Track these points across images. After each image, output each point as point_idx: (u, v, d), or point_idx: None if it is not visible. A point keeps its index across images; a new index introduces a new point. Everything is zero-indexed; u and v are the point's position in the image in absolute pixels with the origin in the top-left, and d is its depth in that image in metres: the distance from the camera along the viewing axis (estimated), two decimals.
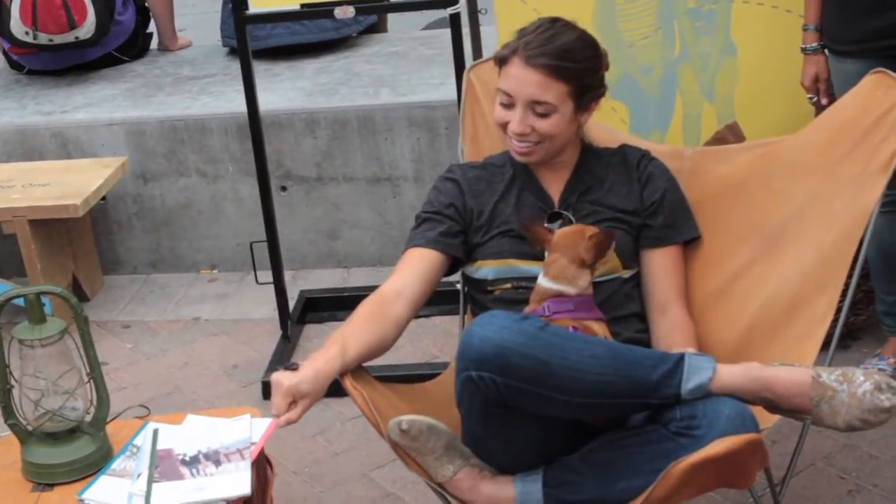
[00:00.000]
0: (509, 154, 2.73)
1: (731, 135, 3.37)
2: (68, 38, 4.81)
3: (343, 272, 4.47)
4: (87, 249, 4.40)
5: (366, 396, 2.31)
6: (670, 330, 2.57)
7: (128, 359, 3.96)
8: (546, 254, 2.56)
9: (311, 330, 4.06)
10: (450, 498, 2.41)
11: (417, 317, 4.09)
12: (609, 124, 3.16)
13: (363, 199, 4.39)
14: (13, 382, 2.64)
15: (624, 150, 2.79)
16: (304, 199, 4.41)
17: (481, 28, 3.59)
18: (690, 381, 2.21)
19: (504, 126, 2.65)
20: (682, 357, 2.24)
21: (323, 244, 4.47)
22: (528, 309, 2.51)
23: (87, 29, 4.82)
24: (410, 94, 4.36)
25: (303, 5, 3.52)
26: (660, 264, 2.67)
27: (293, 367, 2.31)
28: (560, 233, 2.56)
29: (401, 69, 4.67)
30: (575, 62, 2.58)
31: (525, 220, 2.62)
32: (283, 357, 3.81)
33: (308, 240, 4.46)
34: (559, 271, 2.50)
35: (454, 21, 3.47)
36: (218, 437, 2.75)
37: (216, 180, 4.44)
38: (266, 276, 3.90)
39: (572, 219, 2.65)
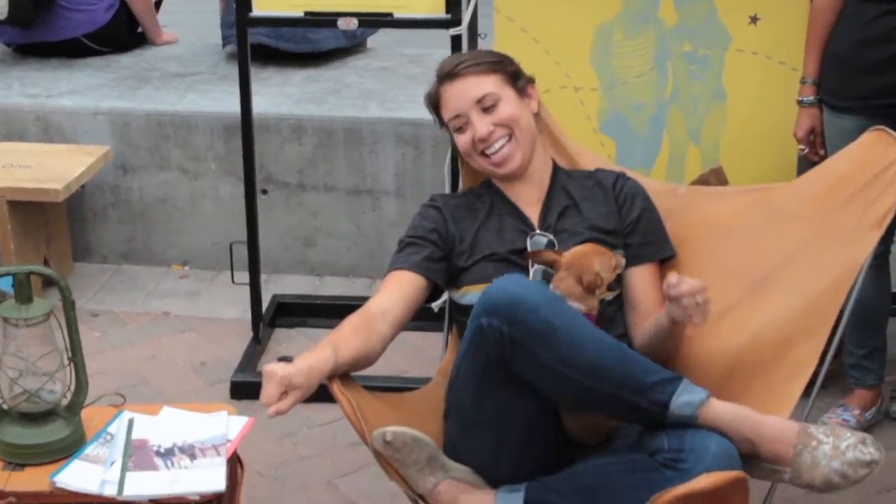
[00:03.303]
0: (487, 184, 2.82)
1: (714, 179, 3.40)
2: None
3: (315, 280, 4.48)
4: (60, 234, 4.38)
5: (353, 402, 2.32)
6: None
7: (95, 347, 3.94)
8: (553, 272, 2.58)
9: (280, 334, 4.06)
10: None
11: None
12: (599, 155, 3.21)
13: (342, 209, 4.40)
14: None
15: (596, 174, 2.86)
16: (283, 204, 4.42)
17: None
18: (682, 397, 2.23)
19: (472, 147, 2.74)
20: (680, 377, 2.28)
21: (297, 250, 4.48)
22: None
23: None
24: (399, 109, 4.39)
25: (307, 13, 3.53)
26: (642, 281, 2.72)
27: (287, 360, 2.32)
28: (574, 252, 2.58)
29: (389, 84, 4.70)
30: (488, 58, 2.81)
31: (525, 248, 2.67)
32: (253, 358, 3.81)
33: (283, 244, 4.46)
34: (568, 289, 2.51)
35: (455, 43, 3.50)
36: (193, 431, 2.75)
37: (197, 177, 4.44)
38: (241, 276, 3.90)
39: (554, 241, 2.68)
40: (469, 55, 2.86)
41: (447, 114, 2.78)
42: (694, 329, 2.53)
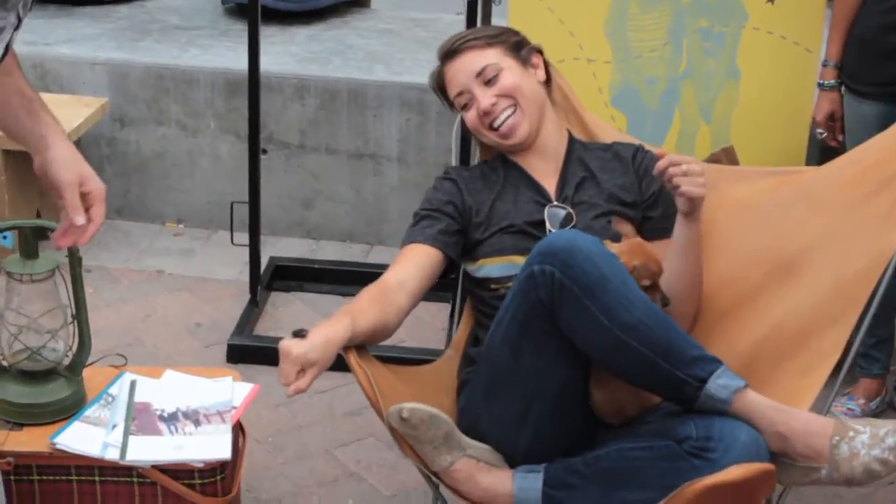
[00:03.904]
0: (501, 157, 2.77)
1: (725, 158, 3.34)
2: None
3: (312, 243, 4.41)
4: None
5: (370, 375, 2.26)
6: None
7: (88, 304, 3.83)
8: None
9: (277, 297, 3.99)
10: (443, 488, 2.37)
11: None
12: (613, 128, 3.15)
13: (343, 172, 4.33)
14: None
15: (614, 146, 2.81)
16: (283, 165, 4.34)
17: (492, 21, 3.55)
18: (721, 379, 2.19)
19: (479, 123, 2.71)
20: (721, 361, 2.23)
21: (295, 212, 4.40)
22: None
23: None
24: (405, 73, 4.31)
25: None
26: (662, 255, 2.65)
27: (301, 334, 2.24)
28: (630, 243, 2.52)
29: (395, 47, 4.62)
30: (487, 31, 2.80)
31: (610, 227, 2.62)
32: (250, 321, 3.74)
33: (281, 205, 4.38)
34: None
35: (471, 8, 3.43)
36: (197, 396, 2.69)
37: (195, 134, 4.36)
38: (240, 237, 3.83)
39: (572, 213, 2.62)
40: (468, 31, 2.83)
41: (451, 92, 2.75)
42: (713, 315, 2.48)
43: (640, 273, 2.42)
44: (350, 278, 4.05)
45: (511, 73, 2.70)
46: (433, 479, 2.34)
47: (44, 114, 2.13)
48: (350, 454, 3.19)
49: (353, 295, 4.03)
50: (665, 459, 2.16)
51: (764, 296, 2.59)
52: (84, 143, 4.36)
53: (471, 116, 2.72)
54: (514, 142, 2.70)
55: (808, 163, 3.75)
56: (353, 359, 2.30)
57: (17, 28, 1.81)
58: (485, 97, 2.68)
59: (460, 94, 2.72)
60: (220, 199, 4.29)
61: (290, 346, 2.22)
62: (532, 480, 2.28)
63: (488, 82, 2.69)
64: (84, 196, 2.16)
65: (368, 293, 2.47)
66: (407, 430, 2.23)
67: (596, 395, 2.34)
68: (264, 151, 4.29)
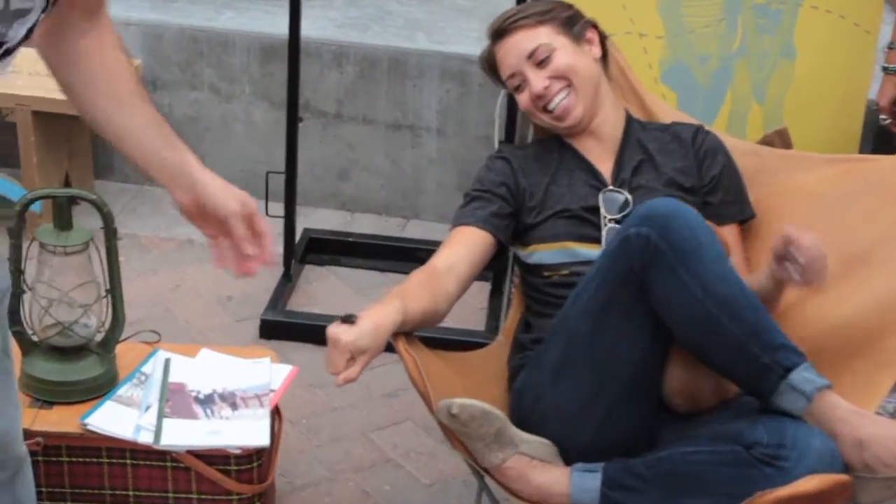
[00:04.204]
0: (555, 139, 2.64)
1: (779, 140, 3.25)
2: None
3: (346, 215, 4.28)
4: (83, 150, 4.17)
5: (419, 365, 2.14)
6: None
7: None
8: None
9: (310, 271, 3.87)
10: (492, 484, 2.26)
11: (403, 273, 3.98)
12: (670, 106, 3.03)
13: (380, 143, 4.20)
14: (25, 288, 2.46)
15: (673, 127, 2.69)
16: (319, 134, 4.21)
17: None
18: (806, 373, 2.09)
19: (532, 105, 2.59)
20: (805, 357, 2.14)
21: (330, 183, 4.28)
22: None
23: None
24: (447, 42, 4.17)
25: None
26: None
27: (351, 320, 2.13)
28: None
29: (436, 15, 4.47)
30: (537, 8, 2.62)
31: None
32: (283, 296, 3.63)
33: (315, 176, 4.26)
34: None
35: None
36: (234, 377, 2.59)
37: (230, 100, 4.23)
38: (274, 208, 3.70)
39: (629, 198, 2.50)
40: (517, 9, 2.68)
41: (503, 73, 2.63)
42: (793, 294, 2.36)
43: None
44: (386, 252, 3.94)
45: (564, 53, 2.57)
46: (484, 476, 2.23)
47: (176, 137, 1.97)
48: (387, 438, 3.09)
49: (389, 271, 4.00)
50: (732, 465, 2.05)
51: (831, 290, 2.46)
52: None
53: (524, 99, 2.60)
54: (569, 124, 2.58)
55: (863, 148, 3.66)
56: (402, 346, 2.19)
57: (45, 10, 1.64)
58: (537, 80, 2.55)
59: (512, 76, 2.60)
60: (252, 168, 4.16)
61: (339, 334, 2.11)
62: (590, 480, 2.16)
63: (540, 63, 2.56)
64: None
65: (417, 277, 2.35)
66: (457, 426, 2.13)
67: (672, 376, 2.21)
68: (300, 120, 4.17)
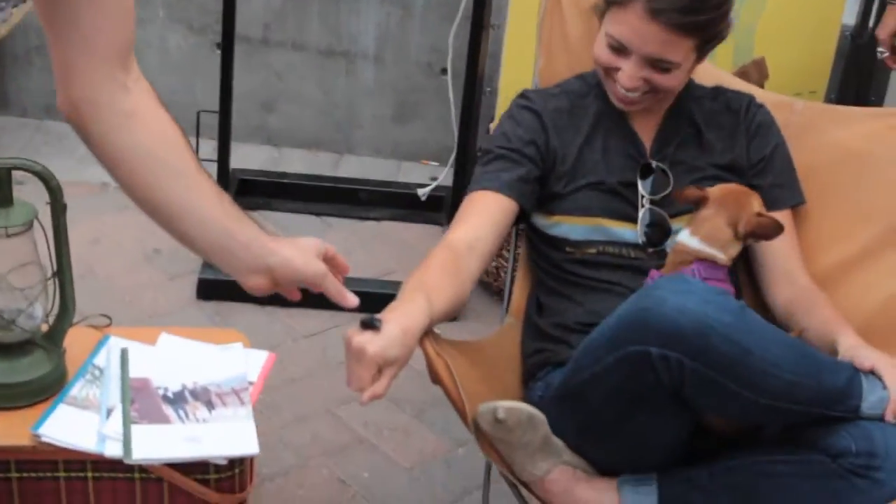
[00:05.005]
0: (597, 89, 2.27)
1: (755, 72, 3.05)
2: None
3: (273, 150, 3.94)
4: None
5: (452, 369, 1.84)
6: (810, 305, 2.16)
7: None
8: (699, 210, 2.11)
9: None
10: (528, 497, 1.97)
11: (367, 218, 3.66)
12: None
13: (311, 72, 3.86)
14: None
15: (725, 93, 2.33)
16: (242, 63, 3.80)
17: None
18: (872, 395, 1.85)
19: (609, 70, 2.19)
20: (851, 366, 1.89)
21: (255, 116, 3.92)
22: (666, 270, 2.07)
23: None
24: None
25: None
26: None
27: (375, 326, 1.78)
28: (723, 188, 2.12)
29: None
30: (706, 13, 2.11)
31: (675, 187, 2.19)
32: None
33: (238, 108, 3.85)
34: (713, 231, 2.06)
35: None
36: (204, 369, 2.23)
37: (141, 24, 3.81)
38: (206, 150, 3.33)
39: (668, 173, 2.21)
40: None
41: (613, 27, 2.14)
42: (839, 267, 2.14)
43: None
44: (321, 194, 3.63)
45: (677, 75, 2.16)
46: (519, 488, 1.94)
47: (239, 210, 1.83)
48: (355, 415, 2.78)
49: (326, 214, 3.66)
50: (815, 478, 1.80)
51: (876, 260, 2.22)
52: (10, 32, 3.80)
53: (607, 58, 2.17)
54: (624, 110, 2.24)
55: (833, 79, 3.45)
56: (430, 349, 1.87)
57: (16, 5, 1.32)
58: (633, 78, 2.14)
59: (620, 45, 2.14)
60: (169, 100, 3.72)
61: (364, 344, 1.76)
62: (645, 494, 1.89)
63: (652, 64, 2.14)
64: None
65: (437, 260, 2.01)
66: (502, 434, 1.83)
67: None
68: (219, 46, 3.78)
